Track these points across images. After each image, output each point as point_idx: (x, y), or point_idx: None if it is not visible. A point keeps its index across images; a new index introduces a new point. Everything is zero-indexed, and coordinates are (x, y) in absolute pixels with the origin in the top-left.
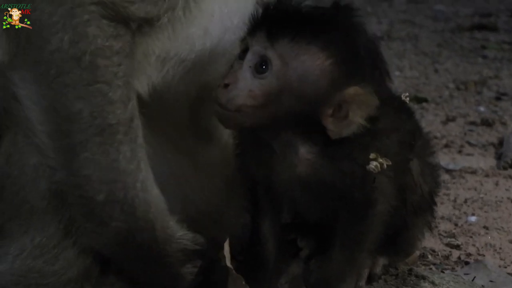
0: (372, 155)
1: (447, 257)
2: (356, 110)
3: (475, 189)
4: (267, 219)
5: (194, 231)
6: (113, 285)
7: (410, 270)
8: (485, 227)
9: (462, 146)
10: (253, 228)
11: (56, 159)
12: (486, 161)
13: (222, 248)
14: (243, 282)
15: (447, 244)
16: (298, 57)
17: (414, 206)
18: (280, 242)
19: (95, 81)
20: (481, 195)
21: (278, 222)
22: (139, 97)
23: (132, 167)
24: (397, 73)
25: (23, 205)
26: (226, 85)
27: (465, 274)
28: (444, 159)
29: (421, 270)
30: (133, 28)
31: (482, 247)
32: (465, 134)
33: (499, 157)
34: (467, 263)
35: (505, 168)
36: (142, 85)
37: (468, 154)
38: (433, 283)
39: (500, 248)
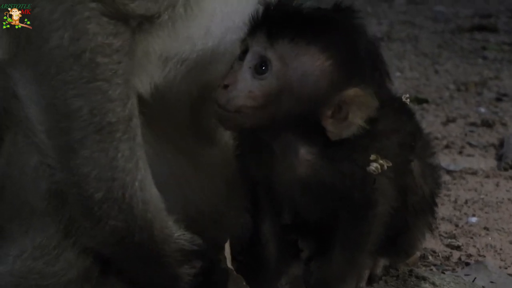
0: (372, 157)
1: (447, 258)
2: (356, 112)
3: (476, 190)
4: (268, 220)
5: (194, 232)
6: (113, 286)
7: (411, 271)
8: (486, 228)
9: (462, 147)
10: (254, 229)
11: (55, 158)
12: (487, 162)
13: (223, 248)
14: (244, 283)
15: (448, 245)
16: (298, 58)
17: (415, 207)
18: (280, 243)
19: (95, 79)
20: (482, 196)
21: (278, 223)
22: (140, 97)
23: (130, 165)
24: (397, 74)
25: (23, 206)
26: (226, 86)
27: (465, 275)
28: (444, 160)
29: (422, 271)
30: (133, 25)
31: (482, 248)
32: (465, 135)
33: (499, 158)
34: (467, 264)
35: (505, 169)
36: (143, 85)
37: (469, 155)
38: (433, 284)
39: (501, 249)
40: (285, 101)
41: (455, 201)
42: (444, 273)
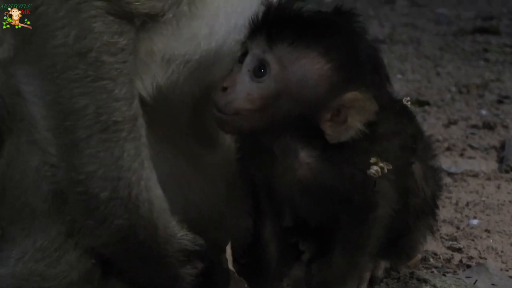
0: (372, 160)
1: (449, 261)
2: (355, 115)
3: (477, 192)
4: (269, 222)
5: (194, 233)
6: (114, 287)
7: (412, 273)
8: (487, 230)
9: (464, 149)
10: (255, 231)
11: (58, 156)
12: (488, 164)
13: (224, 250)
14: (245, 285)
15: (449, 248)
16: (297, 61)
17: (417, 210)
18: (281, 245)
19: (100, 78)
20: (483, 198)
21: (279, 225)
22: (142, 98)
23: (136, 165)
24: (399, 76)
25: (24, 208)
26: (225, 89)
27: (467, 277)
28: (446, 162)
29: (423, 273)
30: (137, 24)
31: (484, 251)
32: (467, 137)
33: (501, 160)
34: (469, 266)
35: (507, 172)
36: (146, 85)
37: (470, 157)
38: (434, 286)
39: (502, 251)
40: (283, 104)
41: (456, 203)
42: (445, 275)
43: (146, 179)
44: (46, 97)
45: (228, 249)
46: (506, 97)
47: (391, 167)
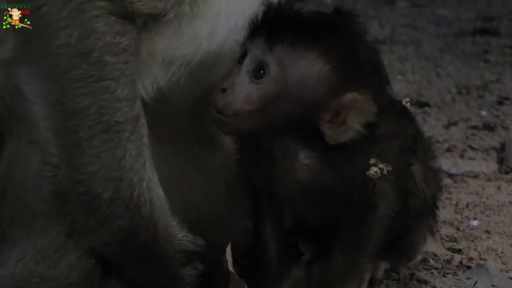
0: (372, 161)
1: (449, 262)
2: (354, 117)
3: (477, 194)
4: (269, 223)
5: (194, 234)
6: None
7: (412, 274)
8: (487, 232)
9: (464, 150)
10: (255, 232)
11: (59, 157)
12: (488, 165)
13: (224, 251)
14: (245, 286)
15: (449, 249)
16: (297, 62)
17: (416, 211)
18: (281, 246)
19: (103, 78)
20: (483, 200)
21: (279, 226)
22: (142, 99)
23: (137, 165)
24: (399, 77)
25: (25, 209)
26: (224, 90)
27: (467, 278)
28: (446, 163)
29: (423, 274)
30: (138, 25)
31: (484, 252)
32: (467, 138)
33: (501, 161)
34: (469, 267)
35: (507, 172)
36: (147, 87)
37: (470, 159)
38: (434, 287)
39: (502, 253)
40: (282, 106)
41: (457, 205)
42: (445, 276)
43: (148, 180)
44: (48, 97)
45: (228, 250)
46: (506, 98)
47: (390, 168)
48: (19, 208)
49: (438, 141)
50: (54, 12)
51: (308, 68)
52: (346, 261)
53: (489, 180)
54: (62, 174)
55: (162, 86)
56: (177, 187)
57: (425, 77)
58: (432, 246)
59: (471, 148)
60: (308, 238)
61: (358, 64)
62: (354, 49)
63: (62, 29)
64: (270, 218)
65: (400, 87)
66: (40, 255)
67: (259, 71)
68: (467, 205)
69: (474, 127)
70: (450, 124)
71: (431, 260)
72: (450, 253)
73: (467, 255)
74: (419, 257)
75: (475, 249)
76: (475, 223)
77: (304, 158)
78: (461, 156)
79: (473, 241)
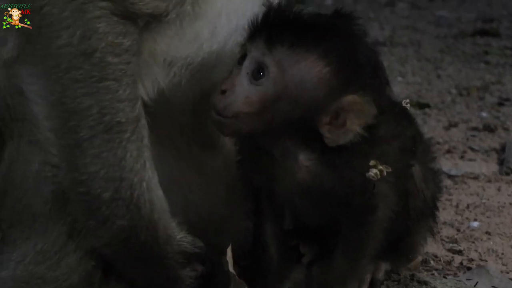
0: (372, 162)
1: (449, 263)
2: (354, 119)
3: (477, 195)
4: (269, 225)
5: (195, 235)
6: None
7: (412, 275)
8: (487, 233)
9: (464, 151)
10: (256, 234)
11: (60, 157)
12: (489, 167)
13: (224, 253)
14: None
15: (449, 250)
16: (296, 64)
17: (416, 212)
18: (282, 247)
19: (105, 78)
20: (483, 201)
21: (280, 228)
22: (143, 100)
23: (138, 166)
24: (399, 78)
25: (25, 210)
26: (224, 91)
27: (467, 279)
28: (446, 164)
29: (423, 275)
30: (140, 25)
31: (484, 253)
32: (467, 139)
33: (501, 162)
34: (469, 268)
35: (507, 174)
36: (148, 88)
37: (471, 160)
38: None
39: (502, 254)
40: (282, 107)
41: (457, 206)
42: (445, 277)
43: (148, 180)
44: (50, 97)
45: (229, 252)
46: (507, 99)
47: (390, 170)
48: (20, 209)
49: (438, 143)
50: (56, 12)
51: (307, 70)
52: (346, 263)
53: (489, 181)
54: (63, 174)
55: (164, 88)
56: (178, 188)
57: (426, 79)
58: (432, 247)
59: (472, 149)
60: (308, 239)
61: (358, 66)
62: (354, 51)
63: (64, 29)
64: (270, 219)
65: (401, 89)
66: (41, 256)
67: (258, 73)
68: (468, 206)
69: (475, 129)
70: (451, 125)
71: (431, 261)
72: (450, 254)
73: (467, 256)
74: (420, 258)
75: (476, 250)
76: (475, 224)
77: (304, 160)
78: (462, 157)
79: (473, 242)
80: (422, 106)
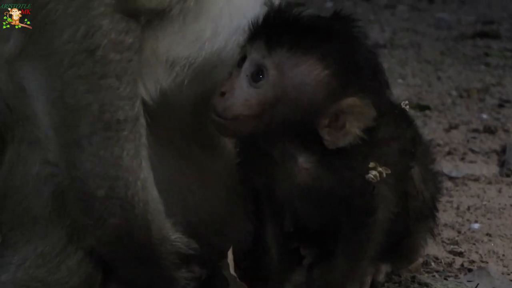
0: (371, 164)
1: (450, 265)
2: (353, 121)
3: (478, 196)
4: (269, 227)
5: (195, 237)
6: None
7: (413, 277)
8: (488, 234)
9: (465, 153)
10: (256, 236)
11: (59, 153)
12: (489, 168)
13: (225, 255)
14: None
15: (450, 251)
16: (296, 67)
17: (416, 213)
18: (282, 249)
19: (107, 76)
20: (484, 202)
21: (280, 230)
22: (144, 100)
23: (134, 165)
24: (399, 81)
25: (25, 213)
26: (223, 93)
27: (468, 281)
28: (447, 166)
29: (424, 277)
30: (142, 22)
31: (485, 254)
32: (467, 141)
33: (502, 164)
34: (470, 270)
35: (507, 175)
36: (150, 88)
37: (471, 162)
38: None
39: (503, 255)
40: (281, 110)
41: (458, 208)
42: (446, 279)
43: (143, 180)
44: (51, 93)
45: (230, 254)
46: (507, 101)
47: (390, 172)
48: (20, 212)
49: (439, 144)
50: (61, 9)
51: (307, 73)
52: (347, 264)
53: (490, 183)
54: (62, 172)
55: (166, 88)
56: (178, 189)
57: (426, 81)
58: (433, 249)
59: (472, 151)
60: (308, 241)
61: (357, 69)
62: (353, 54)
63: (67, 26)
64: (271, 221)
65: (401, 91)
66: (41, 259)
67: (258, 75)
68: (468, 208)
69: (475, 130)
70: (451, 127)
71: (432, 263)
72: (451, 256)
73: (468, 258)
74: (421, 260)
75: (477, 252)
76: (476, 226)
77: (304, 162)
78: (462, 159)
79: (474, 244)
80: (422, 108)
